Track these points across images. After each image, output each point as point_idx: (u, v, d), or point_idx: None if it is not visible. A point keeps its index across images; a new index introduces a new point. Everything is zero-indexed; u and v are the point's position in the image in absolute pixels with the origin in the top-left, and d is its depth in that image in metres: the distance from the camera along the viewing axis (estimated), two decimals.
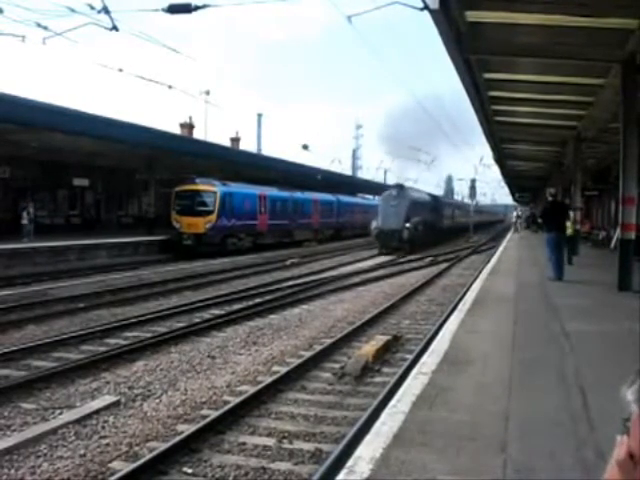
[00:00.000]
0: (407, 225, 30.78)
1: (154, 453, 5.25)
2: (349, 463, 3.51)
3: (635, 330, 6.53)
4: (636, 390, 0.98)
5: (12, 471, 5.08)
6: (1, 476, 4.98)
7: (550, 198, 14.02)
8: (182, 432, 5.84)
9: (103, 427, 6.10)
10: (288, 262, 24.44)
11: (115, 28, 11.24)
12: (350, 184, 54.28)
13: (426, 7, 8.91)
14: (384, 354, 9.05)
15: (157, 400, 7.02)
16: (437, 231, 37.88)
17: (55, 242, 22.02)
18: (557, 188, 21.23)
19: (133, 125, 25.22)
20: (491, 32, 11.62)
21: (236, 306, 13.51)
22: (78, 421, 6.19)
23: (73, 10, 12.13)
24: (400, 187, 34.03)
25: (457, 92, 15.49)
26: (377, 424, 4.17)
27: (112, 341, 9.95)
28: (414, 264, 24.95)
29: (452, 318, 8.73)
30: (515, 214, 54.65)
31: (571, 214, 16.45)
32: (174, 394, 7.24)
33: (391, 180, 56.52)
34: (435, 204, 40.24)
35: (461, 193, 75.36)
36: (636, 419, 0.96)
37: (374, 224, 32.15)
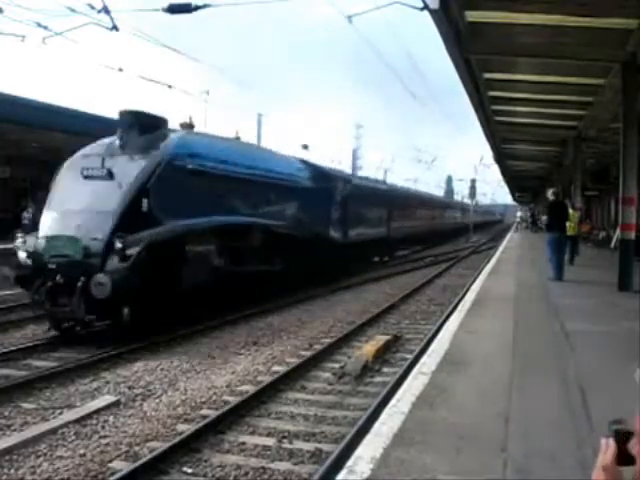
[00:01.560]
0: (118, 244, 9.43)
1: (154, 453, 5.25)
2: (349, 463, 3.51)
3: (635, 330, 6.53)
4: None
5: (12, 471, 5.08)
6: (1, 476, 4.99)
7: (552, 198, 13.98)
8: (182, 432, 5.84)
9: (103, 427, 6.10)
10: None
11: (115, 28, 11.23)
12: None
13: (426, 7, 8.90)
14: (384, 354, 9.05)
15: (157, 400, 7.02)
16: (314, 256, 16.41)
17: None
18: (557, 188, 21.29)
19: None
20: (491, 32, 11.63)
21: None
22: (78, 421, 6.19)
23: (73, 10, 12.12)
24: (137, 118, 11.31)
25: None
26: (377, 424, 4.17)
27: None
28: (414, 264, 24.93)
29: (452, 318, 8.72)
30: (518, 215, 55.05)
31: (572, 212, 16.37)
32: (174, 394, 7.24)
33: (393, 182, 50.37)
34: (320, 187, 17.82)
35: (461, 193, 75.42)
36: None
37: (21, 243, 10.26)
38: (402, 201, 31.26)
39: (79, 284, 9.26)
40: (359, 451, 3.69)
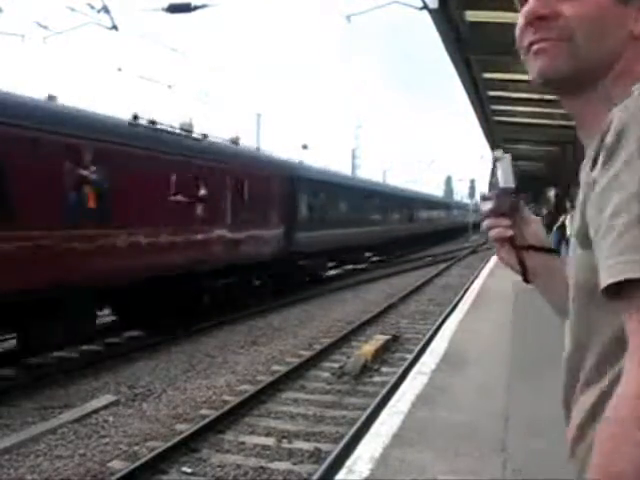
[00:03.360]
0: None
1: (154, 453, 5.25)
2: (348, 463, 3.51)
3: None
4: None
5: (12, 470, 5.08)
6: (1, 475, 4.99)
7: (555, 199, 13.98)
8: (182, 432, 5.84)
9: (103, 426, 6.10)
10: None
11: (115, 27, 11.22)
12: None
13: (425, 7, 8.90)
14: (383, 354, 9.05)
15: (157, 400, 7.02)
16: None
17: None
18: (558, 188, 21.30)
19: None
20: (491, 32, 11.62)
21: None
22: (78, 420, 6.20)
23: (73, 9, 12.11)
24: None
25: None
26: (376, 424, 4.18)
27: (112, 340, 9.95)
28: (414, 264, 24.96)
29: (452, 318, 8.73)
30: None
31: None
32: (174, 394, 7.24)
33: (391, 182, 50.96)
34: None
35: (461, 193, 75.40)
36: None
37: None
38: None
39: None
40: (358, 451, 3.69)
